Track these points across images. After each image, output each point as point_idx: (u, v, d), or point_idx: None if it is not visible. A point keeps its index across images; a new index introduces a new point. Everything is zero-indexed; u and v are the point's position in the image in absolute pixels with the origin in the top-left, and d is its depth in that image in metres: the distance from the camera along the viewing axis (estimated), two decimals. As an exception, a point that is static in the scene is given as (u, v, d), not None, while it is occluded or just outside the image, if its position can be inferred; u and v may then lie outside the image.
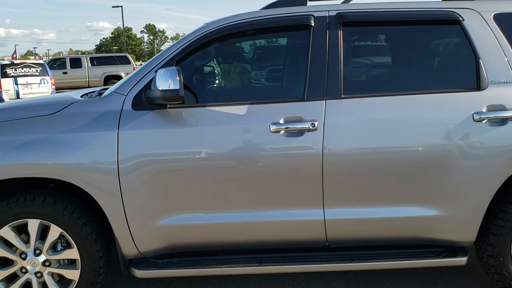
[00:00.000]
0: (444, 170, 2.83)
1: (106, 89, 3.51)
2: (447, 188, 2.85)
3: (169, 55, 2.96)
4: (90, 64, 21.89)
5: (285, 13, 3.03)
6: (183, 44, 2.97)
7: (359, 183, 2.87)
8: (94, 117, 2.87)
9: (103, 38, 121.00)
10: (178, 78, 2.64)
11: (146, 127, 2.83)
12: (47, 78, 14.69)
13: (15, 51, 34.85)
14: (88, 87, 17.65)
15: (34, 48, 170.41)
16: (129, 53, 32.76)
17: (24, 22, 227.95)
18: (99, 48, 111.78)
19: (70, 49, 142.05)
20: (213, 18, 3.53)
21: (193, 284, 3.45)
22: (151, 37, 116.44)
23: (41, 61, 16.96)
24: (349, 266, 2.98)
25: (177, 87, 2.63)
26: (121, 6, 42.09)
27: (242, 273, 3.07)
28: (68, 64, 21.78)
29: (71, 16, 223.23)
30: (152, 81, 2.80)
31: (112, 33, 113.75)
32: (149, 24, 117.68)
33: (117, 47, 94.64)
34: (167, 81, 2.63)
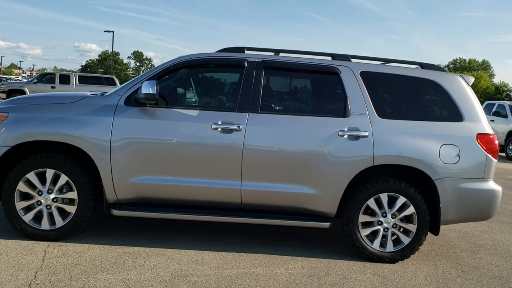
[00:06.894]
0: (318, 164, 4.48)
1: (105, 92, 5.10)
2: (319, 176, 4.49)
3: (152, 73, 4.61)
4: (78, 82, 23.37)
5: (230, 56, 4.75)
6: (162, 68, 4.64)
7: (265, 167, 4.49)
8: (99, 107, 4.46)
9: (90, 60, 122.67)
10: (156, 87, 4.28)
11: (131, 117, 4.43)
12: None
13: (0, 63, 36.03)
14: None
15: (20, 61, 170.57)
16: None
17: (12, 35, 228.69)
18: (84, 69, 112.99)
19: (55, 67, 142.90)
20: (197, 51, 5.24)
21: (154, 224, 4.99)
22: (138, 64, 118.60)
23: None
24: (253, 220, 4.57)
25: (154, 92, 4.26)
26: (113, 32, 43.97)
27: (182, 219, 4.62)
28: (57, 80, 23.23)
29: (60, 35, 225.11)
30: (138, 89, 4.42)
31: (99, 56, 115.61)
32: (137, 51, 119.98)
33: (102, 70, 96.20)
34: (148, 88, 4.27)
